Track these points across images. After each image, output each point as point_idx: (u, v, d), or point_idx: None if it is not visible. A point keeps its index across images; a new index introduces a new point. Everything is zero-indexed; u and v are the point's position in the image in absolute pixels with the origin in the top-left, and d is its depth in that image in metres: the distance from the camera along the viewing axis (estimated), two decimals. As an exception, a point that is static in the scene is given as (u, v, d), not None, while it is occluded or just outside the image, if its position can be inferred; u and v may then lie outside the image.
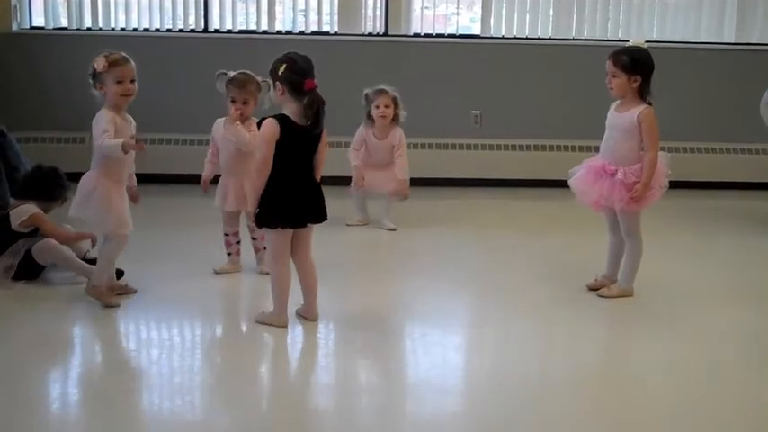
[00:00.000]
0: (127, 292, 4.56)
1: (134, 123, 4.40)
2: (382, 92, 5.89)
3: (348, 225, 5.99)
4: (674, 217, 6.10)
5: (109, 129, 4.15)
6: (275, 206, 4.03)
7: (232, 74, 4.79)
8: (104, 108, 4.23)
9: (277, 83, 3.97)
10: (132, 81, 4.26)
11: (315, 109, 3.95)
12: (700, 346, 4.16)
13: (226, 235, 4.95)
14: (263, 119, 4.01)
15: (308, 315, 4.30)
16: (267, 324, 4.20)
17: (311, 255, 4.24)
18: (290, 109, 3.98)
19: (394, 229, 5.92)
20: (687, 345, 4.18)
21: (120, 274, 4.57)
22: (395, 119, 5.92)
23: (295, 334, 4.21)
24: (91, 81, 4.24)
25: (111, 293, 4.43)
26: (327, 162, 4.15)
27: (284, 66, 3.95)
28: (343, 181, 5.91)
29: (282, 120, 3.96)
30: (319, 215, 4.14)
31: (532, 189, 7.01)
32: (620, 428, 3.36)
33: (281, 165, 3.99)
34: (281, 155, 3.98)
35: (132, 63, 4.27)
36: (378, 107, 5.86)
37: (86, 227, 4.76)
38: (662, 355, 4.06)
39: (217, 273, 4.90)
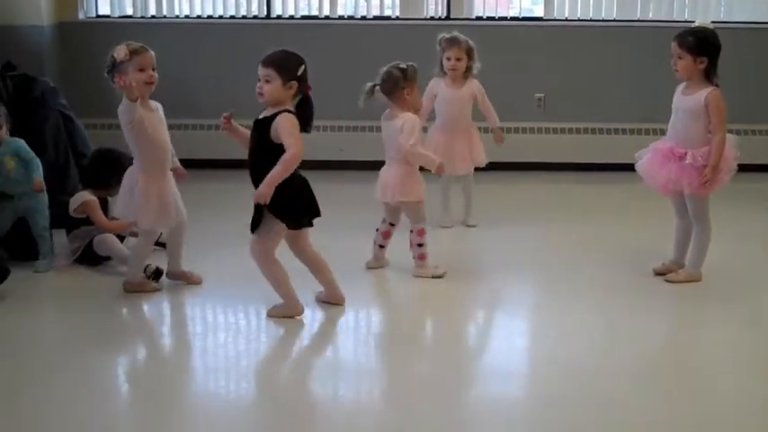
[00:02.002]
0: (192, 281, 4.56)
1: (161, 108, 4.37)
2: (454, 41, 5.35)
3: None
4: (744, 200, 5.98)
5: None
6: (298, 202, 4.03)
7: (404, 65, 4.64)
8: (126, 101, 4.14)
9: (293, 81, 3.96)
10: (153, 69, 4.22)
11: (311, 112, 4.01)
12: (770, 332, 4.11)
13: (392, 224, 4.76)
14: (278, 113, 3.97)
15: (332, 300, 4.27)
16: (282, 317, 4.14)
17: (311, 245, 4.20)
18: (289, 107, 3.98)
19: (474, 226, 5.63)
20: (758, 330, 4.12)
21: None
22: (468, 71, 5.43)
23: (351, 320, 4.23)
24: (107, 74, 4.20)
25: (147, 281, 4.45)
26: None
27: (303, 66, 3.98)
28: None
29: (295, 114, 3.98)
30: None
31: (597, 173, 6.92)
32: (689, 416, 3.33)
33: None
34: None
35: (152, 52, 4.24)
36: (449, 59, 5.38)
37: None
38: (731, 341, 4.00)
39: (371, 269, 4.76)
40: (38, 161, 4.76)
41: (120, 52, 4.15)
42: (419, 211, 4.67)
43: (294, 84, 3.96)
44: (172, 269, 4.56)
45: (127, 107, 4.12)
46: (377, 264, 4.81)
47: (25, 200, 4.74)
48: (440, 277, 4.66)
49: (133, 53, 4.16)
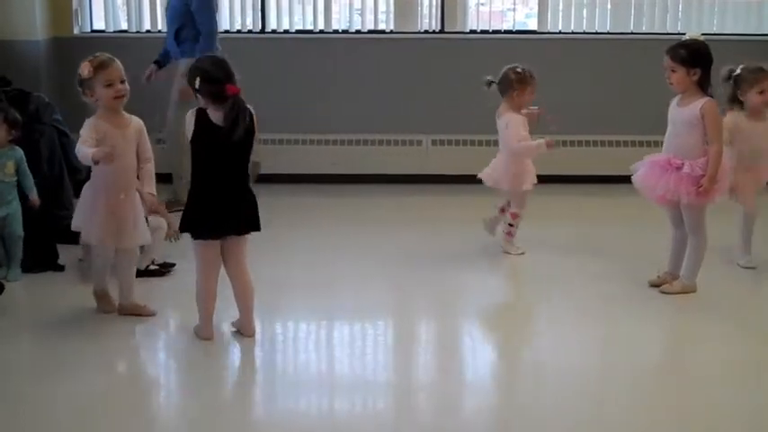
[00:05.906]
0: (143, 313, 4.29)
1: (139, 124, 4.15)
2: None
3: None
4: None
5: (88, 138, 3.96)
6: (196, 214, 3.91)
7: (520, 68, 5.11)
8: (94, 116, 4.04)
9: (198, 96, 3.84)
10: (122, 81, 4.04)
11: (234, 115, 3.77)
12: (766, 343, 4.09)
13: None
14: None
15: (242, 330, 4.08)
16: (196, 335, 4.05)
17: (246, 267, 4.03)
18: (216, 117, 3.83)
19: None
20: (753, 342, 4.12)
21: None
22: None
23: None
24: (79, 89, 4.04)
25: (105, 300, 4.29)
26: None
27: (198, 79, 3.81)
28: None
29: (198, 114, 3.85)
30: (243, 225, 3.95)
31: (592, 185, 6.93)
32: (684, 425, 3.33)
33: (202, 167, 3.89)
34: (199, 155, 3.88)
35: (118, 62, 4.05)
36: (762, 92, 4.90)
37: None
38: (727, 353, 4.00)
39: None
40: (32, 179, 4.86)
41: (84, 69, 3.99)
42: (523, 199, 5.24)
43: (200, 98, 3.85)
44: (121, 302, 4.31)
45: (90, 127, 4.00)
46: (490, 228, 5.38)
47: (5, 208, 4.78)
48: (522, 254, 5.22)
49: (97, 68, 3.99)
